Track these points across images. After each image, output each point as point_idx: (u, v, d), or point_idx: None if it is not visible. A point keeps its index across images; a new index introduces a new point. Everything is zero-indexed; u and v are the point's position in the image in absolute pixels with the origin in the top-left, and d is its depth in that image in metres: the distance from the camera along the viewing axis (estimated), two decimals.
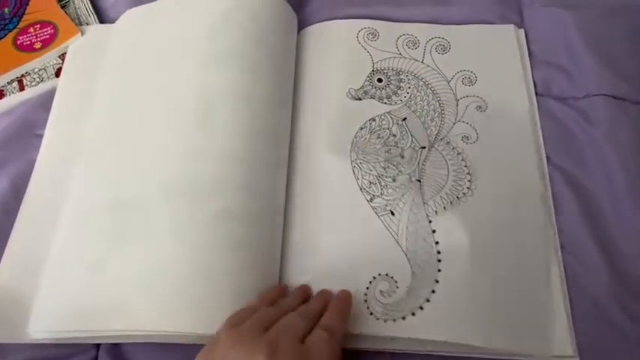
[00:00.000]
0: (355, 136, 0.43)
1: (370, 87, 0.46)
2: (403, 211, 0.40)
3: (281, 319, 0.31)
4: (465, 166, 0.42)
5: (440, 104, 0.45)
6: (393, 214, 0.39)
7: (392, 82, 0.46)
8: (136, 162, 0.40)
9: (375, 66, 0.47)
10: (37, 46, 0.49)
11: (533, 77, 0.47)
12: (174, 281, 0.35)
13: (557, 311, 0.37)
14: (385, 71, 0.47)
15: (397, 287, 0.37)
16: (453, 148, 0.42)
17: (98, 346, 0.38)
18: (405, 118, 0.44)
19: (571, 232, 0.40)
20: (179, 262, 0.36)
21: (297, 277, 0.39)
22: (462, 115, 0.44)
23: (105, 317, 0.35)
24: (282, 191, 0.41)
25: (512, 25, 0.50)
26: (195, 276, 0.35)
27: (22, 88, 0.48)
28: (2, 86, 0.48)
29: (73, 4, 0.53)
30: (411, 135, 0.43)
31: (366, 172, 0.41)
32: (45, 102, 0.48)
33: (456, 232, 0.38)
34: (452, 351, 0.35)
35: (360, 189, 0.41)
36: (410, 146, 0.43)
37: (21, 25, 0.50)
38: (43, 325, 0.36)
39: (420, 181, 0.41)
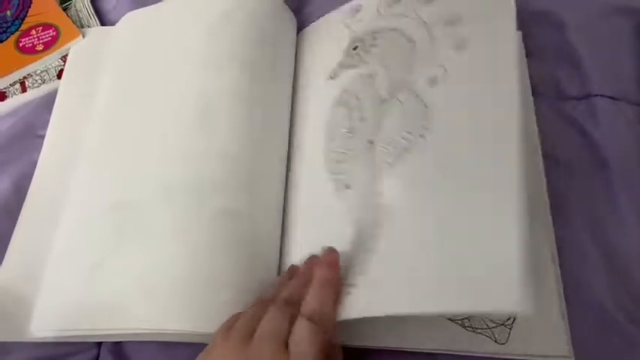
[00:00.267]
0: (331, 116, 0.40)
1: (348, 58, 0.42)
2: (359, 183, 0.36)
3: (263, 319, 0.30)
4: (425, 115, 0.35)
5: (414, 51, 0.39)
6: (349, 187, 0.36)
7: (366, 44, 0.41)
8: (137, 163, 0.40)
9: (352, 36, 0.43)
10: (39, 48, 0.50)
11: (531, 77, 0.47)
12: (174, 281, 0.35)
13: (552, 311, 0.37)
14: (362, 37, 0.43)
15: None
16: (417, 96, 0.37)
17: (100, 344, 0.38)
18: (371, 75, 0.39)
19: (569, 232, 0.40)
20: (180, 262, 0.36)
21: None
22: (435, 57, 0.38)
23: (106, 316, 0.35)
24: (281, 191, 0.42)
25: None
26: (195, 275, 0.35)
27: (24, 89, 0.49)
28: (5, 88, 0.48)
29: (75, 6, 0.54)
30: (374, 89, 0.38)
31: (334, 152, 0.38)
32: (47, 103, 0.48)
33: (401, 192, 0.34)
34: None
35: (330, 173, 0.38)
36: (370, 105, 0.38)
37: (23, 27, 0.51)
38: (45, 324, 0.37)
39: (372, 142, 0.36)
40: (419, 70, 0.37)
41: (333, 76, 0.42)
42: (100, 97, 0.46)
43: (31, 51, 0.49)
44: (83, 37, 0.50)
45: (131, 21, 0.49)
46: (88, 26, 0.52)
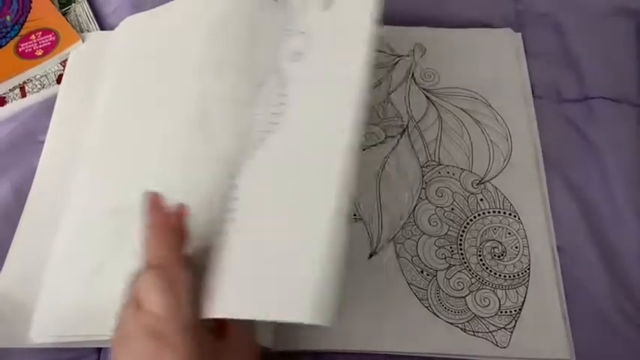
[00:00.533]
0: None
1: None
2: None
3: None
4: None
5: None
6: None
7: None
8: (136, 168, 0.40)
9: None
10: (39, 53, 0.50)
11: (531, 80, 0.48)
12: None
13: (553, 314, 0.37)
14: None
15: None
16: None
17: (100, 350, 0.38)
18: None
19: (569, 235, 0.40)
20: None
21: None
22: None
23: (106, 321, 0.35)
24: None
25: (509, 29, 0.50)
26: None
27: (24, 94, 0.49)
28: (4, 93, 0.48)
29: (74, 11, 0.54)
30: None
31: None
32: (47, 108, 0.48)
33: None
34: None
35: None
36: None
37: (23, 32, 0.51)
38: (44, 330, 0.36)
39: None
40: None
41: None
42: (99, 101, 0.46)
43: (30, 56, 0.49)
44: (83, 41, 0.50)
45: (130, 25, 0.49)
46: (88, 31, 0.52)
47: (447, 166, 0.43)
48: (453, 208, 0.41)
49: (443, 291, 0.38)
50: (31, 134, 0.47)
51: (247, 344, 0.32)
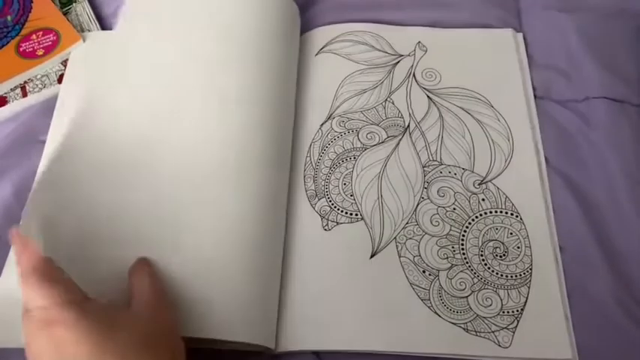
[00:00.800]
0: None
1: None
2: None
3: None
4: None
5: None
6: None
7: None
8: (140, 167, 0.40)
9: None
10: (40, 52, 0.50)
11: (532, 81, 0.48)
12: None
13: (555, 314, 0.37)
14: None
15: None
16: None
17: None
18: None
19: (571, 234, 0.40)
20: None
21: (302, 279, 0.39)
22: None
23: None
24: (285, 189, 0.42)
25: (510, 29, 0.50)
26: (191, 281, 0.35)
27: (25, 94, 0.49)
28: (5, 93, 0.48)
29: (75, 11, 0.54)
30: None
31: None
32: (48, 108, 0.48)
33: None
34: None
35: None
36: None
37: (24, 32, 0.50)
38: None
39: None
40: None
41: None
42: (101, 101, 0.46)
43: (31, 55, 0.49)
44: (84, 41, 0.50)
45: (132, 23, 0.49)
46: (89, 30, 0.52)
47: (449, 165, 0.43)
48: (454, 208, 0.41)
49: (445, 291, 0.38)
50: (32, 134, 0.47)
51: (160, 314, 0.31)
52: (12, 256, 0.41)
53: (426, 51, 0.49)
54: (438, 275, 0.39)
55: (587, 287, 0.38)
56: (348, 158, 0.44)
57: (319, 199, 0.42)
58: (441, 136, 0.45)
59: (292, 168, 0.44)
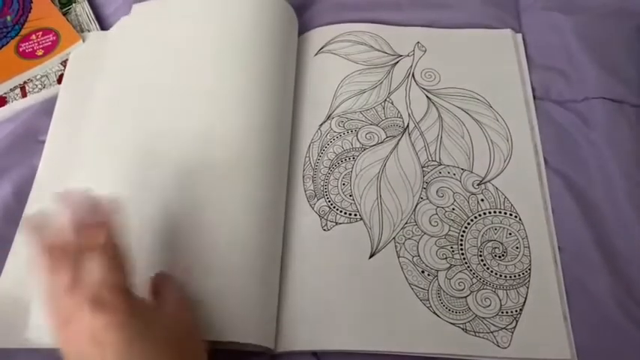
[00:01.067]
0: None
1: None
2: None
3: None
4: None
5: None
6: None
7: None
8: (137, 168, 0.40)
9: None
10: (40, 53, 0.50)
11: (531, 81, 0.48)
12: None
13: (554, 314, 0.37)
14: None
15: None
16: None
17: None
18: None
19: (570, 234, 0.40)
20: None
21: (301, 279, 0.39)
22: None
23: None
24: (284, 189, 0.42)
25: (509, 30, 0.50)
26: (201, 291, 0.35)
27: (24, 94, 0.49)
28: (5, 93, 0.48)
29: (75, 11, 0.54)
30: None
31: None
32: (47, 108, 0.48)
33: None
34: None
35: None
36: None
37: (23, 32, 0.51)
38: (42, 330, 0.36)
39: None
40: None
41: None
42: (99, 101, 0.46)
43: (31, 56, 0.49)
44: (83, 41, 0.50)
45: (141, 12, 0.49)
46: (88, 31, 0.52)
47: (448, 166, 0.43)
48: (453, 209, 0.41)
49: (444, 291, 0.38)
50: (31, 134, 0.47)
51: (184, 314, 0.32)
52: (13, 256, 0.41)
53: (425, 51, 0.49)
54: (436, 275, 0.39)
55: (586, 287, 0.38)
56: (347, 158, 0.44)
57: (318, 200, 0.42)
58: (440, 137, 0.45)
59: (291, 168, 0.44)
